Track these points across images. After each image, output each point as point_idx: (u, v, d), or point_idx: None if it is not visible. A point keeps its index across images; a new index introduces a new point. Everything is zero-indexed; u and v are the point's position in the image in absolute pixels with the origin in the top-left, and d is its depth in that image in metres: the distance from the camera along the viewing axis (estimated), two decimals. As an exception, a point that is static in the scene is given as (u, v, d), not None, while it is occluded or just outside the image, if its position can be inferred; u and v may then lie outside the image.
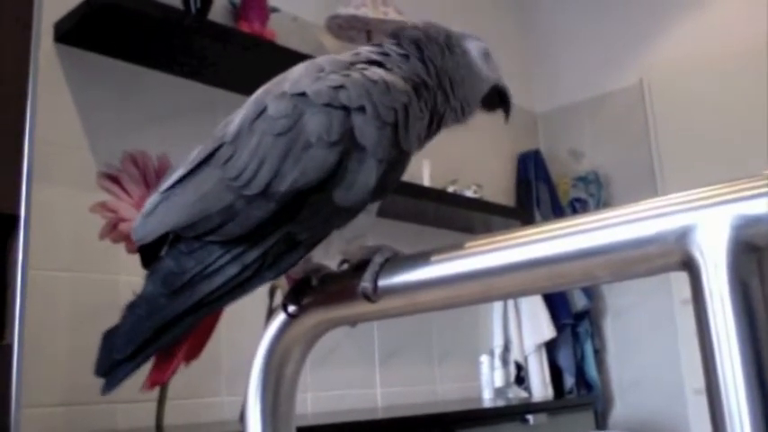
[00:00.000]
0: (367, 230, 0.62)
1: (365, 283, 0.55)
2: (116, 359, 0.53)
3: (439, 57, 0.68)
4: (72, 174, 1.92)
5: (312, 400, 2.42)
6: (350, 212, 0.57)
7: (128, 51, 2.06)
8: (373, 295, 0.55)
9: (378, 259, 0.56)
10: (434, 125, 0.69)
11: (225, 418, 2.10)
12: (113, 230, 1.82)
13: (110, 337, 0.54)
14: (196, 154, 0.60)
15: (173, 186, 0.58)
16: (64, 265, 1.87)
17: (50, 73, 1.92)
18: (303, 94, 0.57)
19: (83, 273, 1.89)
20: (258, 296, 2.17)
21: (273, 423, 0.57)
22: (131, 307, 0.55)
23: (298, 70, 0.62)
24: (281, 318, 0.59)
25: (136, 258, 0.62)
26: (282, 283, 2.11)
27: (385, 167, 0.57)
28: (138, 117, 2.10)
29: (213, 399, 2.11)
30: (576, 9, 3.84)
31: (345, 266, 0.61)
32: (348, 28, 2.68)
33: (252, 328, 1.87)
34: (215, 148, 0.58)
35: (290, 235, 0.55)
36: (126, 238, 1.91)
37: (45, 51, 1.91)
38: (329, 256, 0.61)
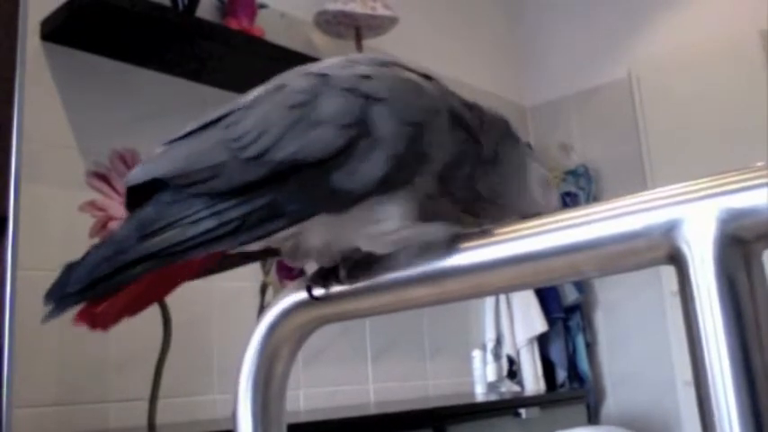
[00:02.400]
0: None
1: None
2: (67, 292, 0.52)
3: (494, 127, 0.62)
4: (61, 173, 1.91)
5: (305, 396, 2.42)
6: (346, 199, 0.54)
7: (115, 49, 2.05)
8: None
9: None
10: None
11: (217, 416, 2.10)
12: (103, 229, 1.81)
13: (69, 269, 0.54)
14: (207, 115, 0.59)
15: (175, 140, 0.59)
16: (54, 264, 1.85)
17: (37, 71, 1.91)
18: (326, 75, 0.56)
19: (73, 272, 1.89)
20: (249, 294, 2.17)
21: (264, 422, 0.57)
22: (99, 245, 0.54)
23: (329, 59, 0.61)
24: (270, 316, 0.59)
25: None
26: (273, 281, 2.10)
27: (396, 163, 0.54)
28: (126, 115, 2.09)
29: (205, 397, 2.11)
30: (564, 2, 3.84)
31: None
32: (336, 24, 2.68)
33: (243, 325, 1.86)
34: (226, 113, 0.57)
35: (276, 202, 0.53)
36: (116, 236, 1.90)
37: (31, 50, 1.90)
38: (354, 239, 0.57)
